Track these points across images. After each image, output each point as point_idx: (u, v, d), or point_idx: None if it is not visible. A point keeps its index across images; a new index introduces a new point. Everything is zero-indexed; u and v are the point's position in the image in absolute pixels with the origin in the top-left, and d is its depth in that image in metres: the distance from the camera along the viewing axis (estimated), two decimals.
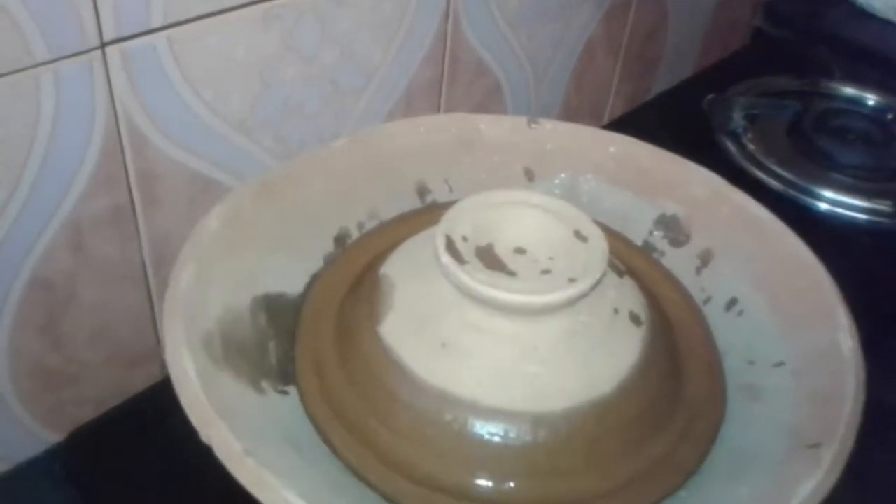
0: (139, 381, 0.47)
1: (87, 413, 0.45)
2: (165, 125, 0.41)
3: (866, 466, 0.29)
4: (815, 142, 0.62)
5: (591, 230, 0.32)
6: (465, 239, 0.32)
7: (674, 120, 0.42)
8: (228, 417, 0.26)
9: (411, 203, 0.40)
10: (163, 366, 0.43)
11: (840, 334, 0.32)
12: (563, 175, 0.42)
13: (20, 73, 0.33)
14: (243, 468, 0.25)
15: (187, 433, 0.26)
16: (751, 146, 0.61)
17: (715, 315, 0.37)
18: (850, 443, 0.28)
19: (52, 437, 0.44)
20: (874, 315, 0.35)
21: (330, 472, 0.29)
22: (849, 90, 0.68)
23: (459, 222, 0.32)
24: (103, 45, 0.35)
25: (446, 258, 0.31)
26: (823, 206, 0.57)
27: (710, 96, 0.64)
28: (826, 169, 0.59)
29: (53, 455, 0.43)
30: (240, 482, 0.24)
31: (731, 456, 0.31)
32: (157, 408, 0.27)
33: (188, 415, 0.26)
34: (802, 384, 0.32)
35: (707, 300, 0.37)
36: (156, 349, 0.46)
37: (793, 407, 0.32)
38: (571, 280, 0.30)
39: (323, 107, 0.48)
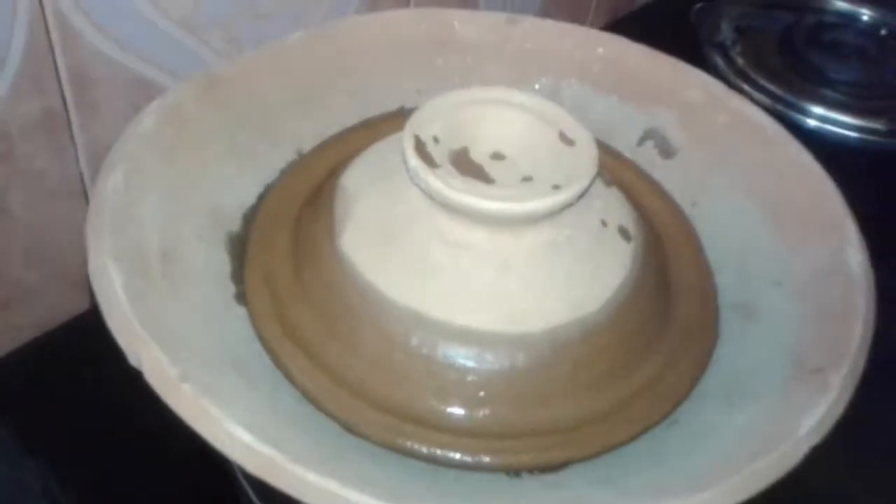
0: (84, 302, 0.44)
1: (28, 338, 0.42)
2: (99, 18, 0.37)
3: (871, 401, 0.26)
4: (806, 56, 0.59)
5: (578, 133, 0.29)
6: (436, 141, 0.28)
7: (659, 31, 0.39)
8: (163, 338, 0.23)
9: (375, 108, 0.36)
10: None
11: (848, 249, 0.29)
12: (543, 80, 0.38)
13: None
14: (179, 396, 0.21)
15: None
16: (739, 60, 0.58)
17: (707, 230, 0.34)
18: (860, 366, 0.25)
19: None
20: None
21: (282, 399, 0.25)
22: (842, 3, 0.65)
23: (430, 122, 0.28)
24: None
25: (416, 161, 0.27)
26: (812, 122, 0.55)
27: (698, 5, 0.61)
28: (817, 85, 0.57)
29: None
30: (175, 412, 0.21)
31: (725, 381, 0.29)
32: (99, 330, 0.23)
33: (115, 335, 0.22)
34: (804, 303, 0.29)
35: (699, 214, 0.34)
36: None
37: (794, 328, 0.29)
38: (556, 187, 0.27)
39: (279, 5, 0.43)
